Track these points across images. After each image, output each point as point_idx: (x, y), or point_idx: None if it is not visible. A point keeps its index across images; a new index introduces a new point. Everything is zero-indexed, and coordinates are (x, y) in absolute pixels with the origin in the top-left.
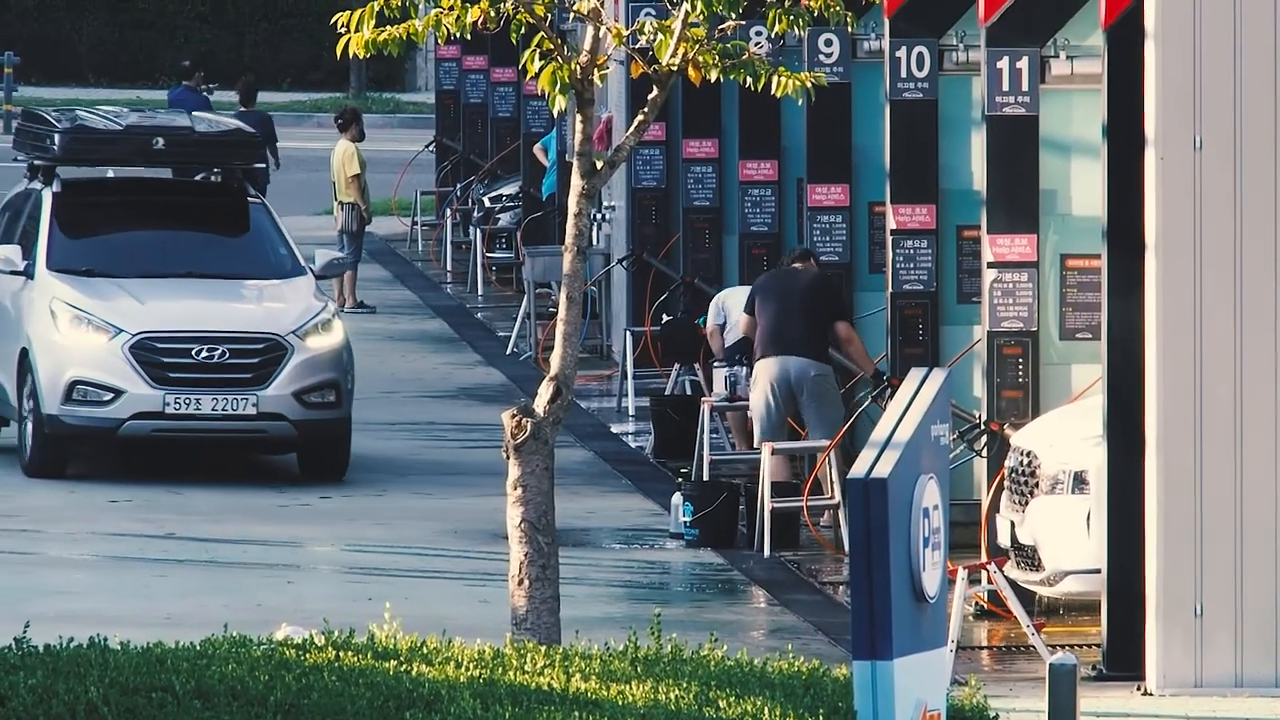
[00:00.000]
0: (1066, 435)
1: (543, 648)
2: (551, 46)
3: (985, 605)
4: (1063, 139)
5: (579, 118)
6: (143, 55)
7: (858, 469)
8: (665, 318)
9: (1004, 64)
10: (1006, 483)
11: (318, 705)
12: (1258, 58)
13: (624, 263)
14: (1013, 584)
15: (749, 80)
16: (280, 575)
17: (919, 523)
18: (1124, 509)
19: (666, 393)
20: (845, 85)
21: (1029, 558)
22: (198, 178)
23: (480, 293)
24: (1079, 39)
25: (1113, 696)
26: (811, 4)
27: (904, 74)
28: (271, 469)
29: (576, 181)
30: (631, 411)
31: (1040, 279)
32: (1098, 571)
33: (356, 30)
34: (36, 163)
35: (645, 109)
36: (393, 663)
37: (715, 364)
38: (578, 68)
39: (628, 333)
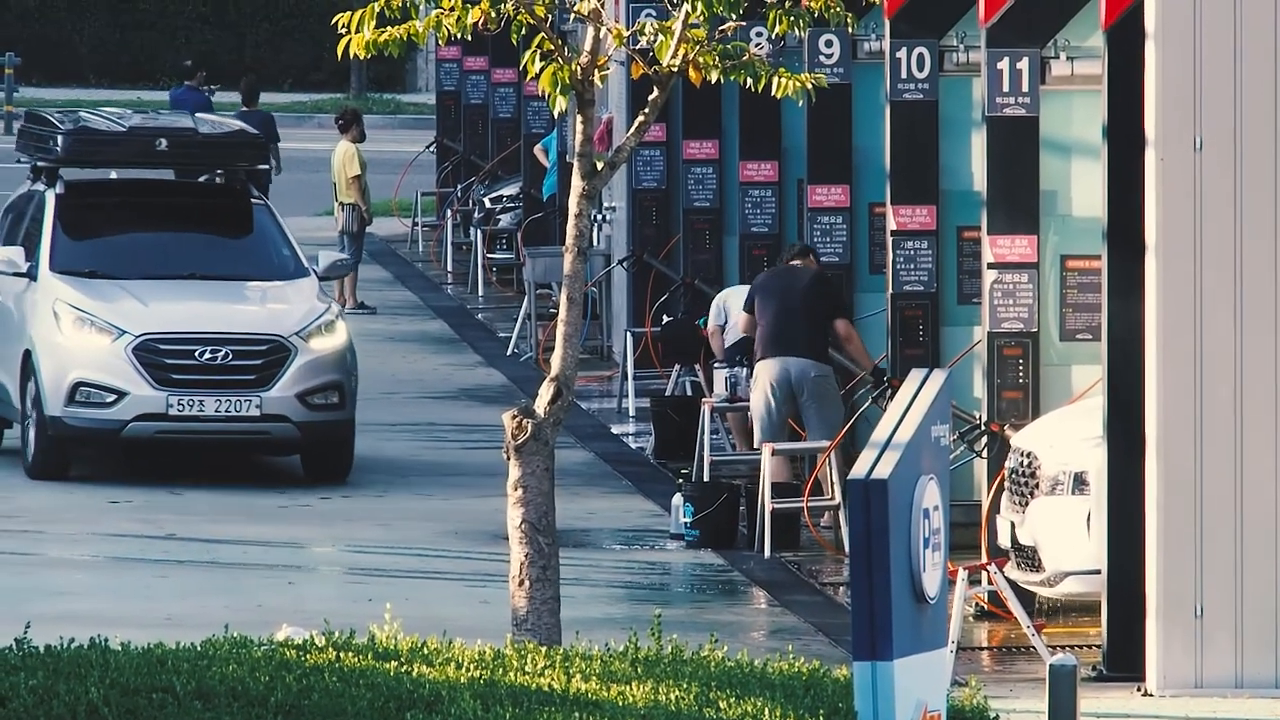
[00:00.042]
0: (1067, 436)
1: (543, 649)
2: (552, 47)
3: (985, 606)
4: (1063, 140)
5: (579, 119)
6: (144, 56)
7: (858, 470)
8: (666, 319)
9: (1004, 65)
10: (1007, 483)
11: (318, 706)
12: (1258, 58)
13: (624, 264)
14: (1013, 585)
15: (749, 81)
16: (281, 576)
17: (919, 523)
18: (1124, 510)
19: (667, 394)
20: (846, 86)
21: (1029, 558)
22: (201, 179)
23: (481, 294)
24: (1079, 40)
25: (1113, 697)
26: (812, 5)
27: (904, 75)
28: (272, 470)
29: (577, 182)
30: (632, 412)
31: (1040, 280)
32: (1098, 572)
33: (357, 31)
34: (40, 164)
35: (646, 110)
36: (393, 664)
37: (716, 365)
38: (578, 69)
39: (628, 334)
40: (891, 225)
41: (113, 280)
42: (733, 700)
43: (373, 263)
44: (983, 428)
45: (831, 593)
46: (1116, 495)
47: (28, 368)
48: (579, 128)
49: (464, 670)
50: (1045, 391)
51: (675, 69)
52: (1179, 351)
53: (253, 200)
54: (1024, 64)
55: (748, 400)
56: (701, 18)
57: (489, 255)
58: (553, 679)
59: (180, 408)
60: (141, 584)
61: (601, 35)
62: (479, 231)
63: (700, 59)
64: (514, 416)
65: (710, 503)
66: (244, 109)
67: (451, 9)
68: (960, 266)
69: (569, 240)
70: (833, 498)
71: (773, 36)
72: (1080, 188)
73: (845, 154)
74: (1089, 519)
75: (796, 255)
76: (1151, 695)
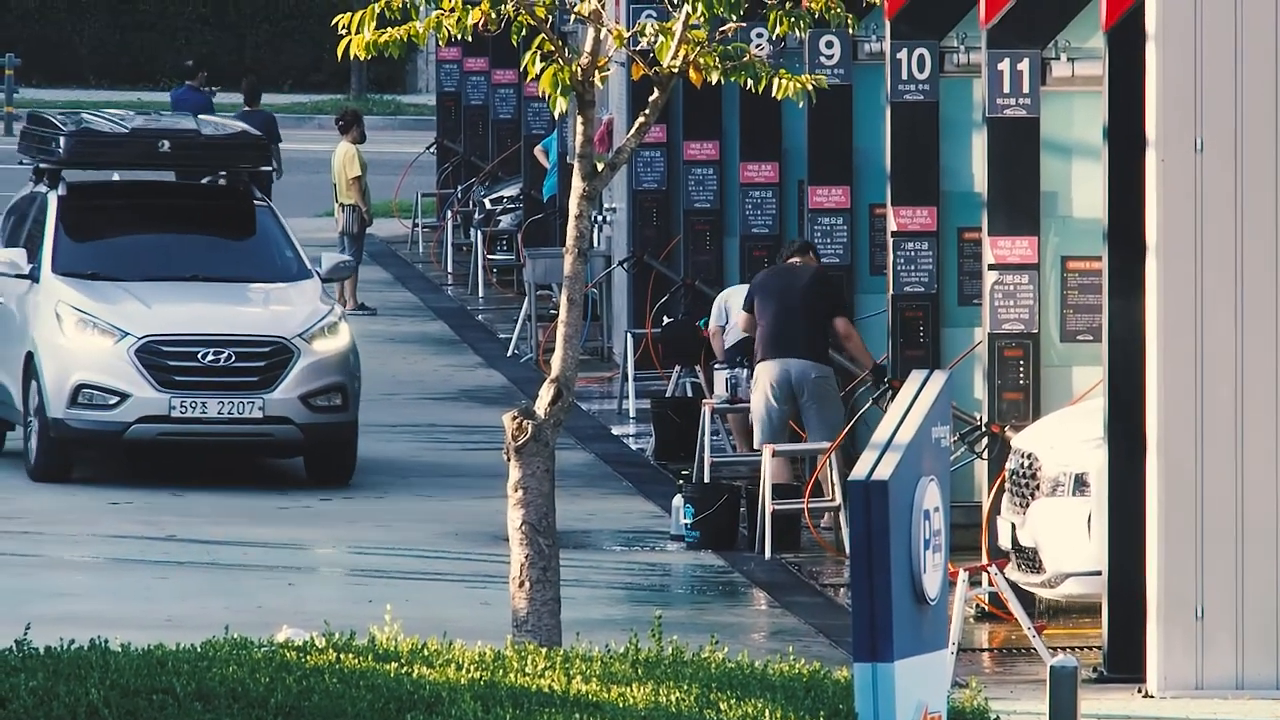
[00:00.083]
0: (1067, 437)
1: (544, 650)
2: (552, 48)
3: (986, 607)
4: (1063, 141)
5: (580, 120)
6: (144, 57)
7: (859, 471)
8: (666, 320)
9: (1005, 66)
10: (1007, 485)
11: (318, 707)
12: (1258, 59)
13: (625, 265)
14: (1013, 586)
15: (750, 82)
16: (281, 577)
17: (920, 525)
18: (1125, 511)
19: (667, 395)
20: (846, 87)
21: (1030, 560)
22: (204, 181)
23: (481, 295)
24: (1080, 41)
25: (1114, 698)
26: (812, 6)
27: (905, 76)
28: (273, 471)
29: (577, 183)
30: (632, 413)
31: (1041, 281)
32: (1098, 573)
33: (357, 32)
34: (42, 166)
35: (646, 111)
36: (394, 665)
37: (716, 366)
38: (579, 70)
39: (629, 335)
40: (892, 226)
41: (115, 282)
42: (733, 702)
43: (373, 264)
44: (983, 429)
45: (832, 594)
46: (1117, 496)
47: (30, 370)
48: (579, 129)
49: (464, 671)
50: (1046, 393)
51: (676, 70)
52: (1180, 352)
53: (255, 202)
54: (1024, 65)
55: (748, 401)
56: (702, 19)
57: (489, 256)
58: (553, 680)
59: (183, 410)
60: (142, 585)
61: (602, 36)
62: (479, 233)
63: (701, 60)
64: (514, 418)
65: (711, 504)
66: (246, 109)
67: (452, 10)
68: (961, 268)
69: (569, 241)
70: (833, 499)
71: (773, 38)
72: (1081, 189)
73: (846, 155)
74: (1089, 520)
75: (796, 252)
76: (1152, 697)
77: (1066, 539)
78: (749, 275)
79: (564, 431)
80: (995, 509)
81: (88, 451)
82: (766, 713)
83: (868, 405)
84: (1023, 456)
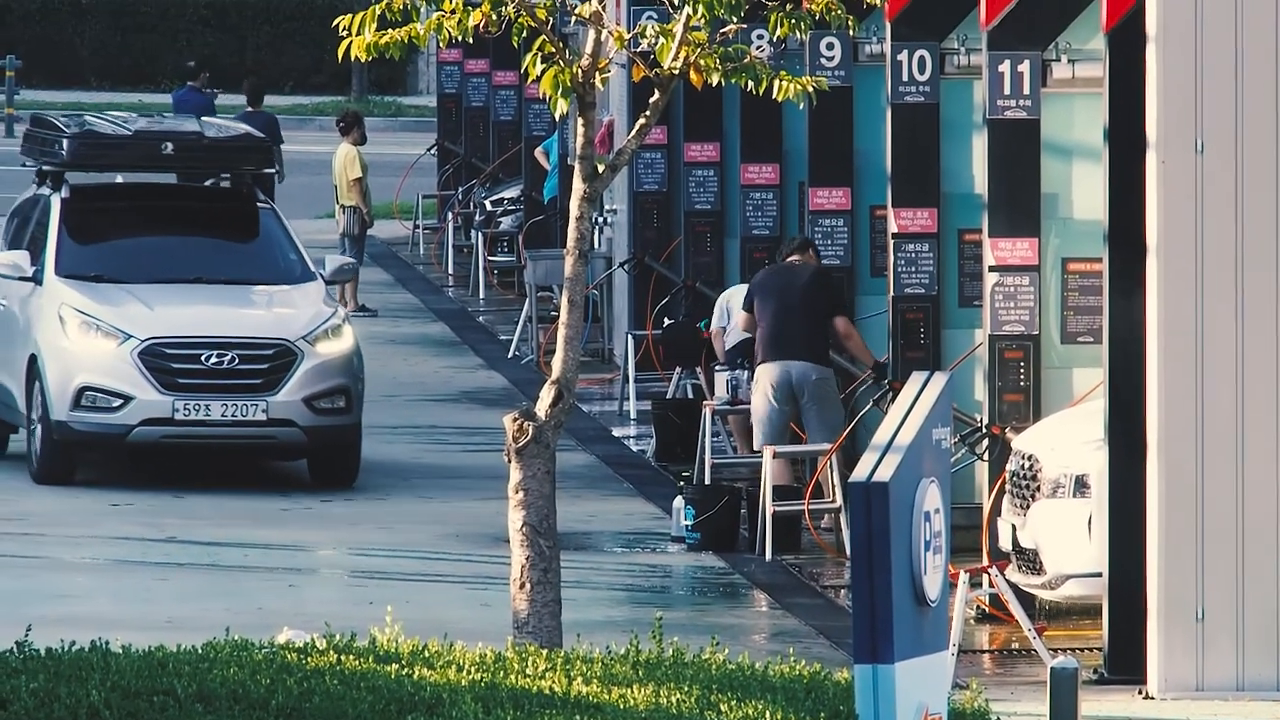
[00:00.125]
0: (1068, 439)
1: (544, 651)
2: (553, 50)
3: (986, 609)
4: (1064, 142)
5: (580, 121)
6: (145, 59)
7: (859, 473)
8: (667, 321)
9: (1005, 67)
10: (1008, 486)
11: (319, 709)
12: (1259, 61)
13: (625, 266)
14: (1014, 587)
15: (750, 84)
16: (282, 579)
17: (920, 526)
18: (1125, 512)
19: (668, 396)
20: (847, 89)
21: (1030, 561)
22: (207, 183)
23: (482, 296)
24: (1080, 42)
25: (1114, 700)
26: (813, 7)
27: (905, 77)
28: (274, 473)
29: (578, 185)
30: (633, 415)
31: (1042, 282)
32: (1099, 575)
33: (358, 33)
34: (45, 168)
35: (647, 112)
36: (394, 666)
37: (717, 367)
38: (579, 71)
39: (629, 336)
40: (893, 228)
41: (118, 284)
42: (734, 703)
43: (374, 265)
44: (984, 430)
45: (833, 595)
46: (1118, 498)
47: (33, 372)
48: (580, 130)
49: (465, 673)
50: (1046, 394)
51: (676, 72)
52: (1180, 354)
53: (259, 204)
54: (1025, 66)
55: (749, 403)
56: (703, 20)
57: (490, 258)
58: (554, 682)
59: (186, 412)
60: (142, 587)
61: (603, 38)
62: (480, 234)
63: (701, 62)
64: (515, 419)
65: (711, 505)
66: (249, 110)
67: (453, 12)
68: (961, 269)
69: (570, 243)
70: (834, 500)
71: (774, 39)
72: (1081, 190)
73: (846, 157)
74: (1090, 522)
75: (796, 249)
76: (1153, 698)
77: (1067, 540)
78: (750, 277)
79: (565, 433)
80: (996, 510)
81: (91, 454)
82: (767, 714)
83: (868, 407)
84: (1023, 458)
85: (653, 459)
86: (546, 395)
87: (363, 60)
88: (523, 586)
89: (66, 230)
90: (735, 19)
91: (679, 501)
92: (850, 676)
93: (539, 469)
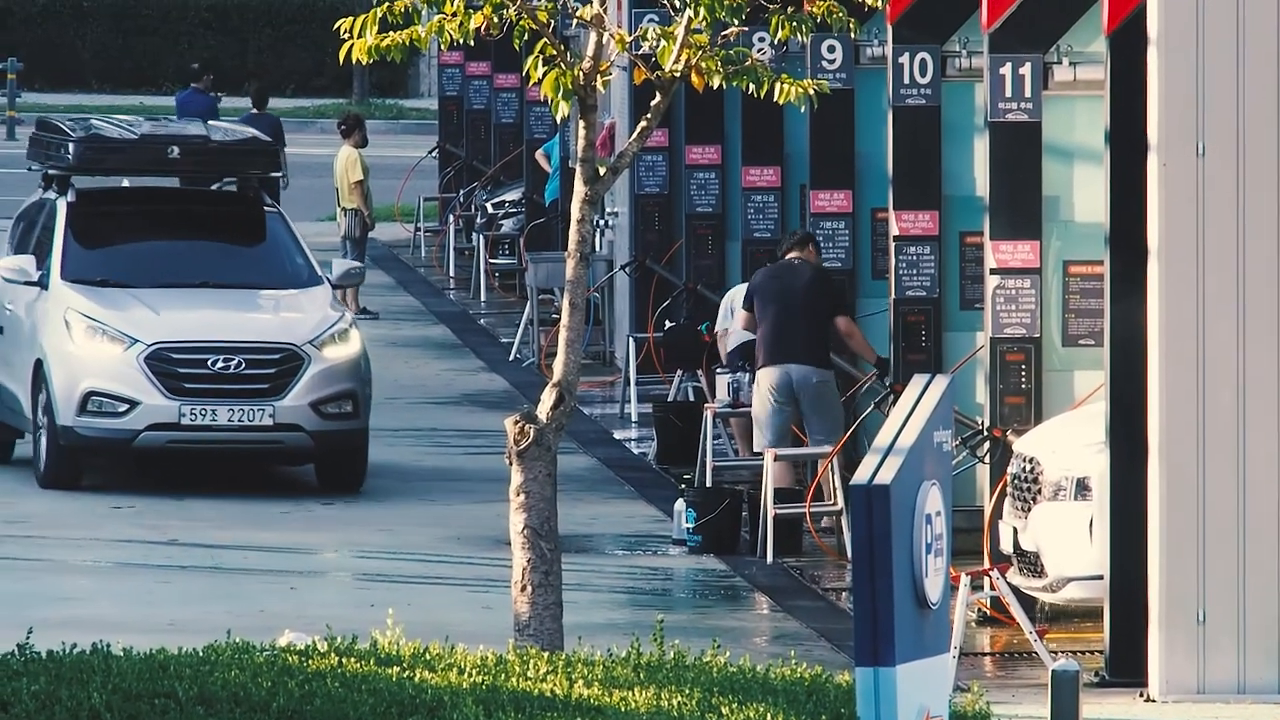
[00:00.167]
0: (1069, 441)
1: (545, 654)
2: (555, 53)
3: (988, 611)
4: (1065, 145)
5: (582, 124)
6: (146, 61)
7: (860, 475)
8: (668, 324)
9: (1007, 70)
10: (1009, 489)
11: (320, 712)
12: (1260, 64)
13: (627, 269)
14: (1015, 590)
15: (752, 87)
16: (283, 581)
17: (921, 529)
18: (1126, 515)
19: (669, 399)
20: (848, 91)
21: (1031, 564)
22: (213, 187)
23: (483, 299)
24: (1082, 45)
25: (1115, 703)
26: (815, 10)
27: (907, 80)
28: (277, 477)
29: (579, 188)
30: (634, 418)
31: (1043, 285)
32: (1100, 578)
33: (359, 36)
34: (51, 172)
35: (648, 115)
36: (395, 669)
37: (718, 370)
38: (581, 74)
39: (631, 339)
40: (894, 230)
41: (124, 289)
42: (735, 706)
43: (375, 268)
44: (985, 433)
45: (834, 598)
46: (1119, 500)
47: (39, 377)
48: (581, 133)
49: (466, 676)
50: (1047, 397)
51: (678, 74)
52: (1181, 356)
53: (265, 208)
54: (1026, 69)
55: (750, 405)
56: (704, 23)
57: (491, 260)
58: (555, 684)
59: (193, 417)
60: (144, 589)
61: (604, 41)
62: (481, 237)
63: (703, 64)
64: (516, 422)
65: (712, 508)
66: (253, 112)
67: (454, 14)
68: (963, 272)
69: (571, 245)
70: (835, 503)
71: (775, 42)
72: (1082, 193)
73: (848, 159)
74: (1091, 524)
75: (796, 245)
76: (1154, 701)
77: (1068, 543)
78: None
79: (566, 436)
80: (997, 513)
81: (97, 459)
82: (768, 717)
83: (869, 410)
84: (1024, 461)
85: (654, 461)
86: (548, 398)
87: (364, 63)
88: (524, 589)
89: (72, 234)
90: (737, 21)
91: (680, 504)
92: (851, 679)
93: (540, 472)
